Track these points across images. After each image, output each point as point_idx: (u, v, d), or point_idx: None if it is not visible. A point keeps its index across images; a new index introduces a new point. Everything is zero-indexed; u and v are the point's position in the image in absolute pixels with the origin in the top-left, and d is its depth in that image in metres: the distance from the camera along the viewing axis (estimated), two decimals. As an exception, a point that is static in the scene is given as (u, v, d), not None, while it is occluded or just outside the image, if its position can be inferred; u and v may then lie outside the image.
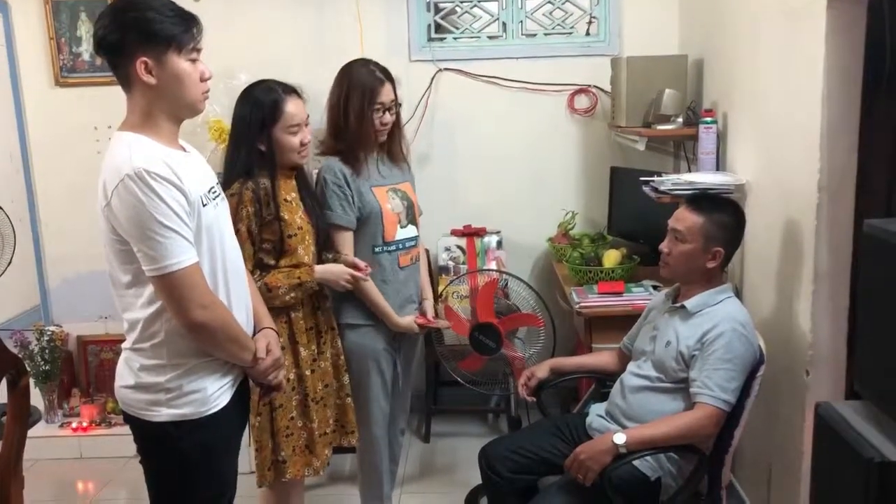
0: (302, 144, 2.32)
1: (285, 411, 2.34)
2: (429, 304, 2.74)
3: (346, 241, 2.50)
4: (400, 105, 2.59)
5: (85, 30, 3.61)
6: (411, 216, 2.62)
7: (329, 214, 2.47)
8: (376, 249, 2.53)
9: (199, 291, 1.66)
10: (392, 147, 2.61)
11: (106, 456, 3.49)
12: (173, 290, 1.63)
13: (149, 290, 1.67)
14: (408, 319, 2.60)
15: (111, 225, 1.63)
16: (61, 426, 3.63)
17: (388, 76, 2.51)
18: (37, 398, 3.48)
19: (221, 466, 1.87)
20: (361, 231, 2.52)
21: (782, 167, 2.38)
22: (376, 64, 2.53)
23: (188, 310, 1.64)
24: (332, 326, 2.49)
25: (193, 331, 1.68)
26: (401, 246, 2.58)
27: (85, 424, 3.60)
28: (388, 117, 2.51)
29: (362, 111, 2.46)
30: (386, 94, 2.48)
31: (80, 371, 3.83)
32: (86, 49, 3.63)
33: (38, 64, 3.66)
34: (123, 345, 1.79)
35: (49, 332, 3.60)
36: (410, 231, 2.62)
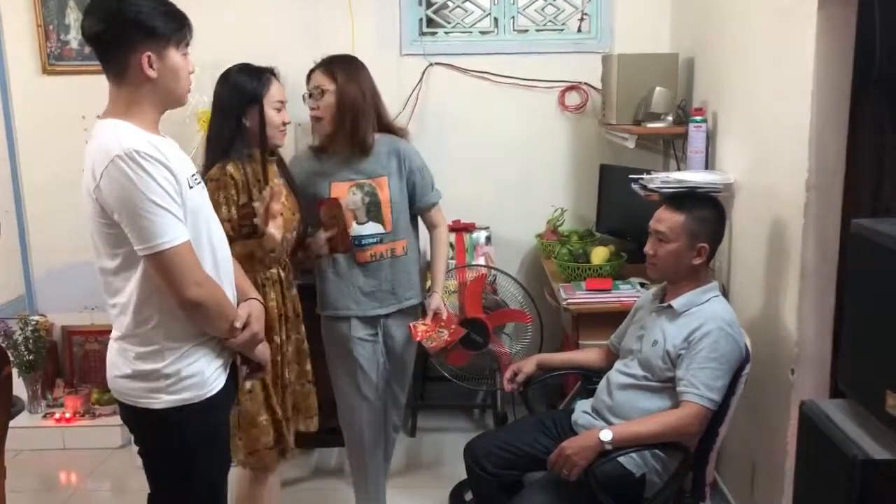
0: (283, 123, 2.38)
1: (255, 395, 2.32)
2: (434, 299, 2.65)
3: None
4: (327, 93, 2.50)
5: (73, 17, 3.58)
6: (374, 213, 2.55)
7: None
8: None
9: (193, 269, 1.67)
10: (337, 142, 2.52)
11: (89, 447, 3.47)
12: (167, 268, 1.64)
13: (138, 274, 1.67)
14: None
15: (100, 208, 1.63)
16: (45, 416, 3.61)
17: (325, 63, 2.53)
18: (20, 388, 3.45)
19: (220, 447, 1.89)
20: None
21: (771, 166, 2.39)
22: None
23: (184, 287, 1.65)
24: (297, 313, 2.48)
25: (189, 308, 1.69)
26: (356, 242, 2.54)
27: (69, 415, 3.57)
28: (312, 102, 2.51)
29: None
30: (311, 80, 2.53)
31: (64, 361, 3.81)
32: (74, 37, 3.60)
33: (26, 51, 3.63)
34: (113, 335, 1.78)
35: (33, 322, 3.57)
36: (371, 228, 2.56)
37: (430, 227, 2.70)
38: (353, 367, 2.60)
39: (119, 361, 1.76)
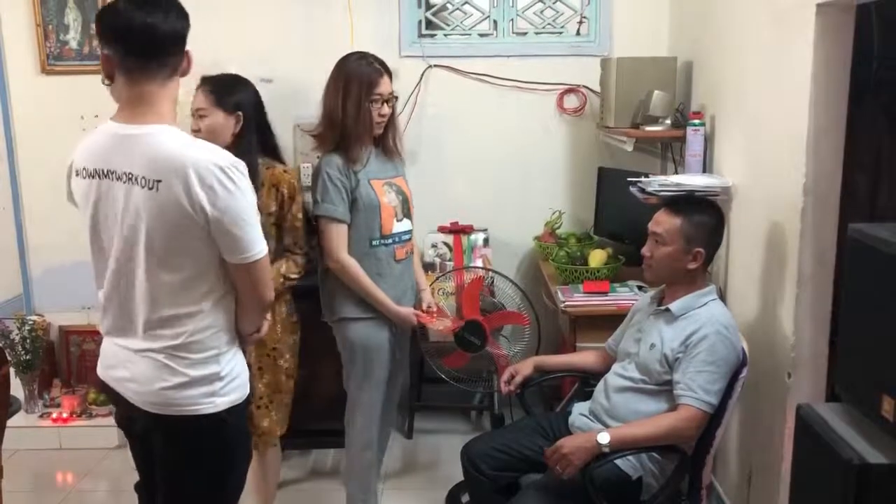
0: (193, 130, 2.36)
1: None
2: (426, 295, 2.75)
3: (340, 234, 2.49)
4: (396, 98, 2.60)
5: (72, 17, 3.58)
6: (406, 210, 2.62)
7: (327, 207, 2.47)
8: (374, 243, 2.53)
9: (270, 272, 1.81)
10: (385, 141, 2.60)
11: (86, 447, 3.47)
12: (261, 272, 1.72)
13: (209, 283, 1.69)
14: (406, 310, 2.60)
15: (200, 220, 1.60)
16: (41, 416, 3.60)
17: (386, 68, 2.53)
18: (17, 388, 3.45)
19: (250, 441, 1.96)
20: (359, 224, 2.52)
21: (768, 171, 2.40)
22: (374, 57, 2.54)
23: (268, 290, 1.77)
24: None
25: (265, 309, 1.82)
26: (397, 239, 2.58)
27: (65, 415, 3.57)
28: (387, 109, 2.51)
29: (360, 103, 2.46)
30: (384, 86, 2.49)
31: (61, 361, 3.80)
32: (73, 37, 3.59)
33: (25, 51, 3.62)
34: (150, 346, 1.70)
35: (31, 322, 3.56)
36: (406, 225, 2.62)
37: None
38: (383, 369, 2.61)
39: (165, 372, 1.69)
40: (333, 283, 2.55)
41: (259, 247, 1.68)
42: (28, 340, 3.53)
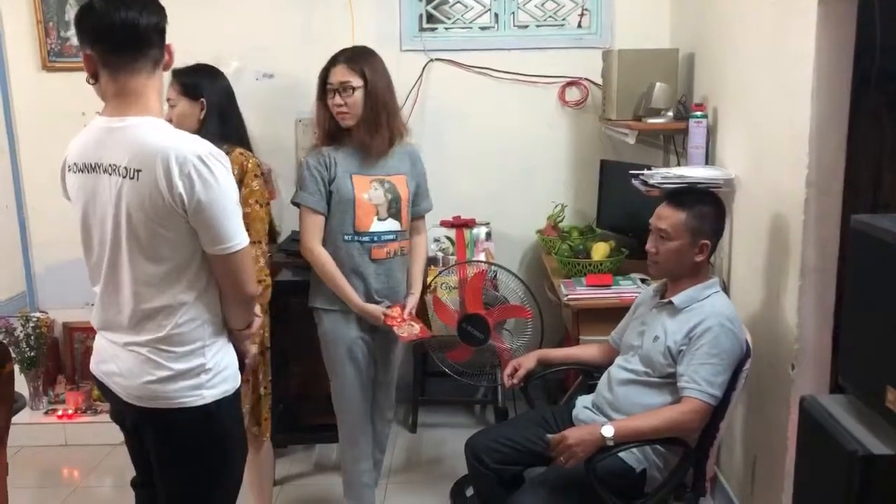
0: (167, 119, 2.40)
1: None
2: (411, 300, 2.68)
3: (314, 223, 2.51)
4: (356, 89, 2.45)
5: (73, 14, 3.57)
6: (395, 210, 2.57)
7: (301, 195, 2.51)
8: (346, 237, 2.52)
9: (252, 264, 1.80)
10: (360, 137, 2.50)
11: (91, 443, 3.48)
12: (242, 264, 1.71)
13: (190, 275, 1.69)
14: (373, 306, 2.55)
15: (177, 210, 1.61)
16: (46, 413, 3.61)
17: (349, 57, 2.49)
18: (22, 385, 3.46)
19: (244, 437, 1.94)
20: (334, 218, 2.52)
21: (771, 162, 2.39)
22: (348, 48, 2.54)
23: (249, 282, 1.74)
24: None
25: (247, 302, 1.78)
26: (375, 238, 2.54)
27: (70, 411, 3.58)
28: (339, 99, 2.46)
29: (318, 95, 2.51)
30: (334, 76, 2.47)
31: (65, 358, 3.81)
32: (73, 33, 3.59)
33: (25, 48, 3.63)
34: (134, 340, 1.72)
35: (35, 319, 3.57)
36: (391, 225, 2.57)
37: (415, 233, 2.72)
38: (351, 364, 2.59)
39: (149, 365, 1.70)
40: (313, 273, 2.59)
41: (238, 238, 1.67)
42: (32, 337, 3.54)
